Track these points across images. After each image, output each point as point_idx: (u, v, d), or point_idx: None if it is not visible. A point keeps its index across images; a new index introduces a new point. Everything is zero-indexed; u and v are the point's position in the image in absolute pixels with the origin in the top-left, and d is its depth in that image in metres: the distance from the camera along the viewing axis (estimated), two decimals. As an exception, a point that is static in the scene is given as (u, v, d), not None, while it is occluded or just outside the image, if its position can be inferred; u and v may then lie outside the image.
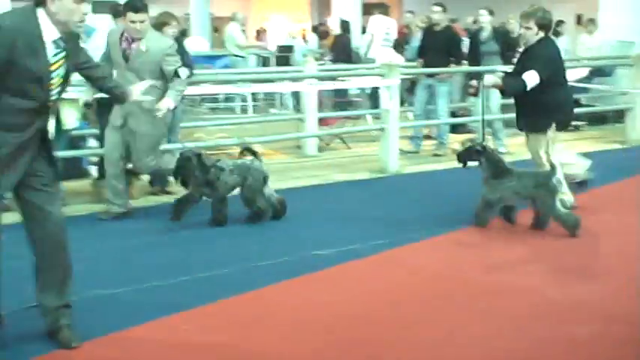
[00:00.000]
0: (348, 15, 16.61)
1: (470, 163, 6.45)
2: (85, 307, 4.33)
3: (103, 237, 6.11)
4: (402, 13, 19.83)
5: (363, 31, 14.93)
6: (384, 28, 13.52)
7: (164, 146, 7.39)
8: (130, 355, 3.98)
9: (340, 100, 12.54)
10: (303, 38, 17.04)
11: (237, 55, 14.57)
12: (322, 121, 10.51)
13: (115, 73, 6.32)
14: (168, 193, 7.57)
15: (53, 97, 3.87)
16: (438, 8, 10.05)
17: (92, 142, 8.09)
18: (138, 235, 6.18)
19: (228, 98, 14.70)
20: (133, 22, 6.32)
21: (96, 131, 7.60)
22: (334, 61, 13.62)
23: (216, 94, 13.83)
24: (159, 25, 7.41)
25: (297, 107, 11.34)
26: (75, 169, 7.87)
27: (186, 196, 6.48)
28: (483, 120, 6.99)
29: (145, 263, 5.48)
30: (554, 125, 6.51)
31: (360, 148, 10.34)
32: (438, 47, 9.90)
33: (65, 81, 3.92)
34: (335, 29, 15.22)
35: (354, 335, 4.20)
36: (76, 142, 7.83)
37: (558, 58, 6.61)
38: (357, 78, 10.52)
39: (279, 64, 15.44)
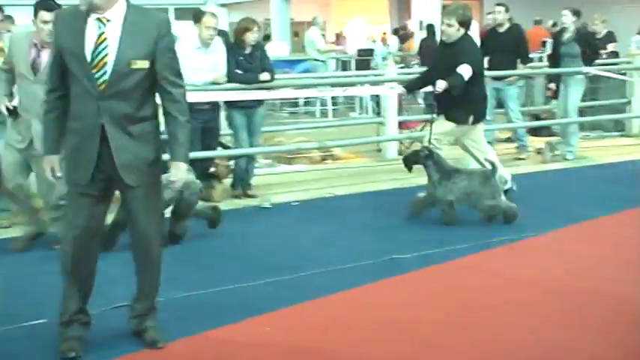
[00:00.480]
0: (428, 17, 16.50)
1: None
2: (170, 308, 4.40)
3: (186, 239, 6.20)
4: (482, 15, 19.57)
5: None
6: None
7: (240, 151, 7.51)
8: (213, 356, 4.03)
9: (422, 103, 12.48)
10: (383, 41, 17.01)
11: (317, 60, 14.65)
12: (403, 125, 10.46)
13: (17, 87, 5.65)
14: (250, 196, 7.65)
15: (101, 81, 3.69)
16: (500, 8, 9.80)
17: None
18: (220, 238, 6.25)
19: (308, 102, 14.78)
20: (45, 22, 5.41)
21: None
22: (422, 65, 13.55)
23: (296, 99, 13.94)
24: (241, 30, 7.52)
25: (377, 111, 11.32)
26: (166, 171, 8.00)
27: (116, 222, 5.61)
28: (432, 122, 6.94)
29: (229, 265, 5.54)
30: (471, 118, 6.81)
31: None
32: (502, 48, 9.55)
33: (119, 69, 3.68)
34: (415, 31, 15.14)
35: (437, 341, 4.15)
36: (166, 145, 7.97)
37: (480, 52, 7.13)
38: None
39: (359, 67, 15.45)
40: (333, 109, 14.56)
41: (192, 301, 4.75)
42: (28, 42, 5.51)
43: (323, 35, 15.66)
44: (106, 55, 3.70)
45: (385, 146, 9.99)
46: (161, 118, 3.97)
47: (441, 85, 6.52)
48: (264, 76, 7.51)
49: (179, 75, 3.90)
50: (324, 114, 14.42)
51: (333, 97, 13.87)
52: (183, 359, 3.99)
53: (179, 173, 3.93)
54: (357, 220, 6.79)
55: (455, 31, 6.68)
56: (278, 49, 16.36)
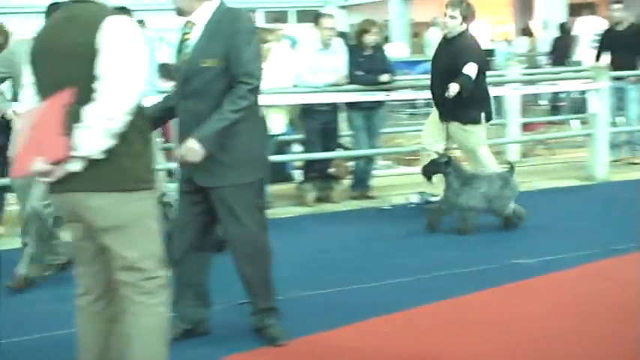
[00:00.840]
0: (552, 16, 16.07)
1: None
2: (291, 307, 4.43)
3: (307, 239, 6.29)
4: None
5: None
6: (592, 29, 12.94)
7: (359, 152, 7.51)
8: (332, 355, 4.04)
9: (545, 104, 12.15)
10: (507, 42, 16.67)
11: (437, 61, 14.48)
12: (525, 127, 10.22)
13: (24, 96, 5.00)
14: (369, 197, 7.66)
15: (180, 80, 3.85)
16: (617, 6, 9.33)
17: (296, 147, 8.37)
18: (340, 238, 6.30)
19: (428, 103, 14.63)
20: None
21: (301, 136, 7.85)
22: (554, 64, 13.23)
23: (415, 100, 13.85)
24: (360, 31, 7.55)
25: (499, 112, 11.10)
26: (280, 173, 8.15)
27: None
28: (447, 128, 6.60)
29: (348, 266, 5.57)
30: (483, 116, 6.50)
31: (566, 155, 9.94)
32: (622, 47, 9.14)
33: (191, 68, 3.78)
34: (539, 31, 14.78)
35: (559, 350, 4.03)
36: (282, 147, 8.12)
37: (482, 49, 6.77)
38: (563, 81, 10.12)
39: (480, 68, 15.15)
40: (453, 111, 14.37)
41: (313, 300, 4.80)
42: None
43: (443, 36, 15.50)
44: (185, 55, 3.83)
45: (506, 148, 9.79)
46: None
47: (455, 88, 6.21)
48: (384, 77, 7.50)
49: (250, 75, 3.78)
50: (442, 115, 14.24)
51: (453, 98, 13.71)
52: (302, 357, 4.03)
53: (184, 147, 3.73)
54: (477, 222, 6.67)
55: (457, 24, 6.40)
56: (397, 50, 16.30)
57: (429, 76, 12.77)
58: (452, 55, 6.39)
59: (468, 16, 6.42)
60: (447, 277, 5.21)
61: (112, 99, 2.91)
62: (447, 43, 6.55)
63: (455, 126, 6.55)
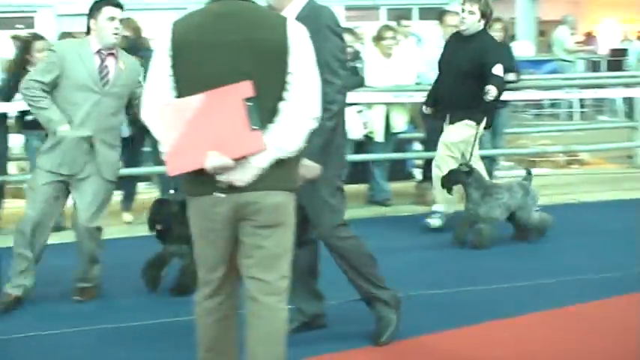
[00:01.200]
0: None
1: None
2: (406, 305, 4.32)
3: (426, 238, 6.23)
4: None
5: None
6: None
7: (482, 151, 7.36)
8: (440, 357, 3.99)
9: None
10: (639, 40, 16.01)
11: (564, 60, 14.07)
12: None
13: (67, 101, 4.67)
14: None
15: None
16: None
17: (417, 146, 8.32)
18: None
19: (554, 104, 14.26)
20: (112, 19, 4.63)
21: (422, 135, 7.80)
22: None
23: (540, 100, 13.51)
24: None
25: (630, 114, 10.67)
26: (400, 171, 8.14)
27: (157, 257, 4.99)
28: (476, 135, 6.09)
29: (467, 266, 5.53)
30: (484, 121, 6.12)
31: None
32: None
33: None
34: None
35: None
36: (403, 145, 8.10)
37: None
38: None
39: (611, 68, 14.65)
40: (580, 112, 13.94)
41: (431, 299, 4.76)
42: (88, 50, 4.70)
43: (572, 34, 15.02)
44: None
45: (637, 152, 9.41)
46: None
47: (493, 92, 5.84)
48: (510, 76, 7.32)
49: (333, 73, 3.75)
50: (569, 116, 13.86)
51: (580, 99, 13.30)
52: (410, 358, 3.99)
53: (302, 167, 3.52)
54: (603, 228, 6.45)
55: (475, 21, 6.01)
56: (523, 48, 15.91)
57: (555, 75, 12.55)
58: (474, 54, 6.00)
59: (485, 13, 6.08)
60: (571, 282, 5.07)
61: (312, 99, 2.98)
62: (463, 40, 6.15)
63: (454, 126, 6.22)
